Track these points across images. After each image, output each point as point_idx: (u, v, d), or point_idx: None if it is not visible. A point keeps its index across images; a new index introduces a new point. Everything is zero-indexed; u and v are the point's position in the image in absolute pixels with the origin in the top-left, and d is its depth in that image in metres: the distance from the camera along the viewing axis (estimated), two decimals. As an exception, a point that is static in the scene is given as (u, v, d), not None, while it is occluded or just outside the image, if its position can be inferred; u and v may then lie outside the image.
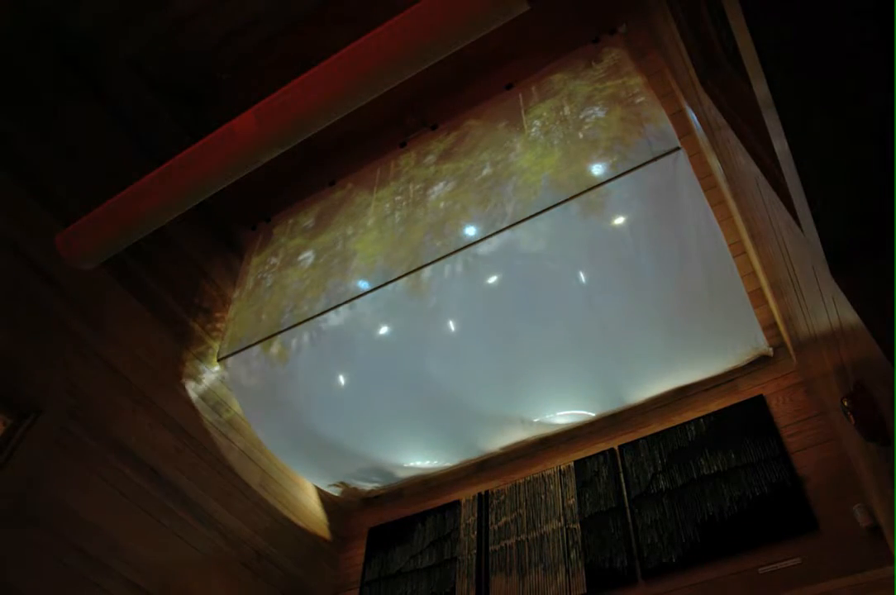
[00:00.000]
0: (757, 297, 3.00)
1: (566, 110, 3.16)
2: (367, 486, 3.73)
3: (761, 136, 1.51)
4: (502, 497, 3.28)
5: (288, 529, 3.44)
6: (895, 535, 2.00)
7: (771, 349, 3.00)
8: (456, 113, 3.69)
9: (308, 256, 3.63)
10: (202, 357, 3.41)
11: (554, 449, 3.36)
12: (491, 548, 3.09)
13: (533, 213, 2.80)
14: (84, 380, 2.72)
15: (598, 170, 2.76)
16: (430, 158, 3.56)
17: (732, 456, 2.73)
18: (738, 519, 2.53)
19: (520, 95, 3.48)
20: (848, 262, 1.16)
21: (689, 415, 3.03)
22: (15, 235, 2.67)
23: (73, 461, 2.54)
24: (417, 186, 3.45)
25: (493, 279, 3.07)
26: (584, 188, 2.73)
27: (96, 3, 3.06)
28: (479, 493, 3.37)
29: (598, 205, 2.80)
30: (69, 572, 2.38)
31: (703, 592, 2.47)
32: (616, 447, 3.12)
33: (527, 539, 3.01)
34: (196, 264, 3.64)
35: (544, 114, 3.24)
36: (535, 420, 3.32)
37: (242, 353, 3.41)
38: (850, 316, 1.19)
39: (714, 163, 2.84)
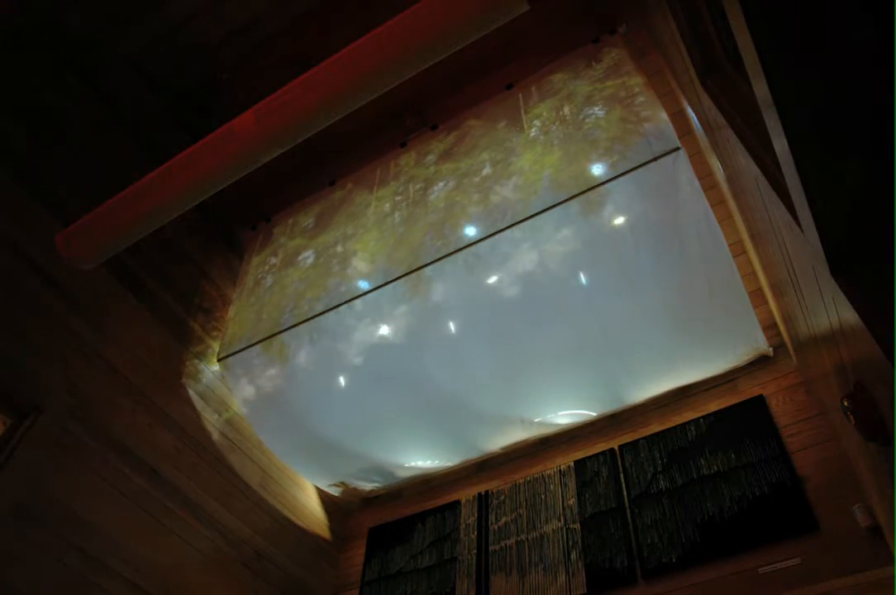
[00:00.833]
0: (757, 297, 3.00)
1: (566, 110, 3.16)
2: (367, 486, 3.73)
3: (761, 136, 1.51)
4: (502, 497, 3.28)
5: (288, 529, 3.44)
6: (895, 535, 2.00)
7: (771, 349, 3.00)
8: (456, 113, 3.69)
9: (308, 256, 3.63)
10: (202, 357, 3.41)
11: (554, 449, 3.36)
12: (491, 548, 3.09)
13: (533, 213, 2.80)
14: (84, 380, 2.72)
15: (598, 170, 2.76)
16: (430, 158, 3.56)
17: (732, 456, 2.73)
18: (738, 519, 2.53)
19: (520, 95, 3.48)
20: (848, 261, 1.16)
21: (689, 415, 3.03)
22: (15, 235, 2.67)
23: (73, 461, 2.54)
24: (417, 186, 3.45)
25: (493, 279, 3.07)
26: (585, 188, 2.73)
27: (96, 2, 3.06)
28: (479, 493, 3.37)
29: (598, 204, 2.80)
30: (69, 572, 2.37)
31: (703, 592, 2.47)
32: (616, 447, 3.12)
33: (527, 539, 3.01)
34: (196, 264, 3.64)
35: (544, 114, 3.24)
36: (536, 420, 3.32)
37: (242, 353, 3.41)
38: (850, 316, 1.19)
39: (714, 163, 2.83)
